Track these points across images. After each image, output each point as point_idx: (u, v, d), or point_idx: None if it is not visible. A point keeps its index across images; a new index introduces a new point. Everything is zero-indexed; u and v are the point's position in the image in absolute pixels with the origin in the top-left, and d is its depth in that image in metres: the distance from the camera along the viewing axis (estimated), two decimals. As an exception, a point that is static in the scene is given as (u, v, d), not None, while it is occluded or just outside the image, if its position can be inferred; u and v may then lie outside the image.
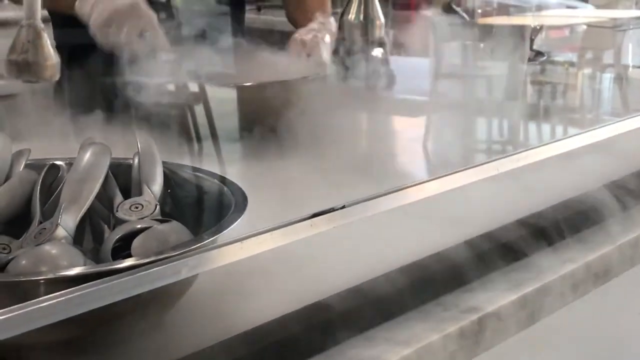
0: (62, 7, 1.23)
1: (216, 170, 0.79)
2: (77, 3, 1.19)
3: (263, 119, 1.09)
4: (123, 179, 0.74)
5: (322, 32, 1.23)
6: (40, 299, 0.50)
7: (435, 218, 0.87)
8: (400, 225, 0.82)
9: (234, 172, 0.89)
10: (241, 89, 1.16)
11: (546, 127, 1.35)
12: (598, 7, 2.14)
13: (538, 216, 0.92)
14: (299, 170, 1.04)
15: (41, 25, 0.97)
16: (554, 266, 0.84)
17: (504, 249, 0.84)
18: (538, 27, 1.41)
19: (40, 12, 0.95)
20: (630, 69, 1.64)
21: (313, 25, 1.25)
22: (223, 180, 0.73)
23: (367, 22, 1.08)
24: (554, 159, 0.88)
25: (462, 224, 0.89)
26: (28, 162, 0.75)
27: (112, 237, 0.64)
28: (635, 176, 1.06)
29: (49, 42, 1.03)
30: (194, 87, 1.18)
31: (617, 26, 1.82)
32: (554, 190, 0.99)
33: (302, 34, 1.24)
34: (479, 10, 1.91)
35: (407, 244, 0.82)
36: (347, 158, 1.04)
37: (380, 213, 0.72)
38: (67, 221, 0.65)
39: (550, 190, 0.98)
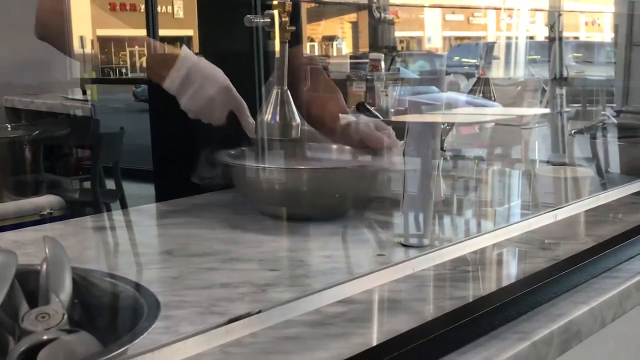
0: (155, 78, 1.33)
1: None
2: (166, 80, 1.27)
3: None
4: (30, 286, 0.71)
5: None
6: None
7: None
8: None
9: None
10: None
11: (460, 221, 1.38)
12: (505, 105, 2.23)
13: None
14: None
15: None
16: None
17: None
18: (448, 127, 1.45)
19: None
20: (537, 164, 1.70)
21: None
22: (136, 286, 0.71)
23: (284, 124, 1.09)
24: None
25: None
26: None
27: (16, 349, 0.60)
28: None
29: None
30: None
31: (523, 124, 1.90)
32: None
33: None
34: (392, 110, 1.97)
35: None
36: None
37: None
38: (-32, 334, 0.61)
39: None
